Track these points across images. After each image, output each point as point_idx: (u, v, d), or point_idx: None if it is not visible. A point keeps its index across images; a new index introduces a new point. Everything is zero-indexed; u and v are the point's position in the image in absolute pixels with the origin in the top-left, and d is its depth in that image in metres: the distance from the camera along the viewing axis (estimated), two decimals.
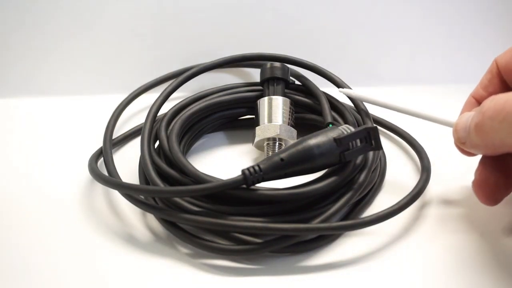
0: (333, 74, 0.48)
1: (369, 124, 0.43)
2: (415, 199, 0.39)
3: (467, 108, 0.39)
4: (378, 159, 0.43)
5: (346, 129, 0.37)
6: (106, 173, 0.42)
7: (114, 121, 0.48)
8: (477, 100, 0.39)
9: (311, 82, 0.48)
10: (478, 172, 0.38)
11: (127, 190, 0.38)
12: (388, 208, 0.37)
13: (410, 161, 0.46)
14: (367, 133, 0.37)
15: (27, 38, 0.56)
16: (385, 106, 0.42)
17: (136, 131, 0.49)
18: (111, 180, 0.39)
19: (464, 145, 0.35)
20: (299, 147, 0.36)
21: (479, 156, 0.38)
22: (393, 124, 0.49)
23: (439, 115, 0.39)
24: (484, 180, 0.37)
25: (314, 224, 0.36)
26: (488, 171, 0.37)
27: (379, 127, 0.44)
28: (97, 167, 0.41)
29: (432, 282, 0.35)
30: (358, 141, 0.37)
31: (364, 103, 0.45)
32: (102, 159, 0.44)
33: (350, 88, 0.46)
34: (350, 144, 0.37)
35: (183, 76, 0.48)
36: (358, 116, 0.45)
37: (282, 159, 0.36)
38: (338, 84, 0.47)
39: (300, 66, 0.49)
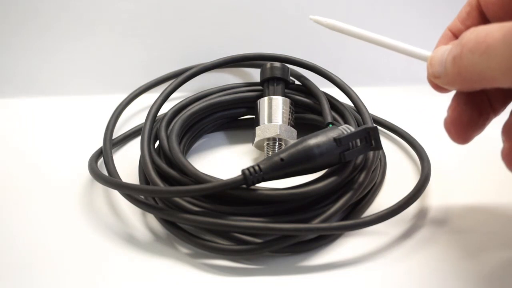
0: (333, 74, 0.48)
1: (369, 124, 0.43)
2: (415, 199, 0.39)
3: (442, 41, 0.37)
4: (378, 159, 0.43)
5: (346, 129, 0.37)
6: (106, 173, 0.42)
7: (114, 121, 0.48)
8: (453, 34, 0.37)
9: (311, 82, 0.48)
10: (451, 109, 0.36)
11: (127, 190, 0.38)
12: (388, 208, 0.37)
13: (410, 161, 0.46)
14: (367, 133, 0.37)
15: (27, 38, 0.56)
16: (357, 36, 0.39)
17: (136, 131, 0.49)
18: (111, 180, 0.39)
19: (438, 79, 0.33)
20: (299, 147, 0.36)
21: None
22: (393, 124, 0.49)
23: (413, 48, 0.36)
24: (457, 117, 0.35)
25: (314, 224, 0.36)
26: (461, 108, 0.35)
27: (379, 127, 0.44)
28: (97, 167, 0.41)
29: (432, 282, 0.35)
30: (358, 141, 0.37)
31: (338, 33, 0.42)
32: (102, 159, 0.44)
33: (350, 87, 0.46)
34: (350, 144, 0.37)
35: (183, 76, 0.48)
36: (358, 116, 0.45)
37: (282, 159, 0.36)
38: (338, 84, 0.47)
39: (300, 66, 0.49)
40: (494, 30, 0.28)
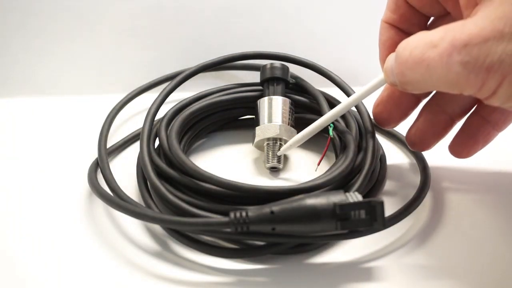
0: (333, 73, 0.47)
1: (376, 198, 0.34)
2: (415, 206, 0.39)
3: (384, 34, 0.39)
4: (378, 159, 0.43)
5: (352, 196, 0.34)
6: (102, 177, 0.41)
7: (110, 122, 0.47)
8: (390, 24, 0.39)
9: (309, 83, 0.48)
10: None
11: (123, 211, 0.37)
12: (388, 217, 0.37)
13: (410, 161, 0.46)
14: (372, 207, 0.33)
15: (27, 38, 0.56)
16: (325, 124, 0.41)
17: (137, 135, 0.49)
18: (110, 197, 0.38)
19: (396, 87, 0.35)
20: (294, 203, 0.33)
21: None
22: (392, 129, 0.48)
23: (369, 83, 0.38)
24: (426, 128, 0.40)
25: None
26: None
27: (376, 132, 0.43)
28: (97, 179, 0.41)
29: (433, 282, 0.35)
30: (361, 212, 0.33)
31: None
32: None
33: (350, 87, 0.46)
34: (352, 213, 0.33)
35: (183, 75, 0.47)
36: (358, 117, 0.45)
37: (272, 212, 0.33)
38: (338, 83, 0.47)
39: (300, 64, 0.48)
40: (427, 50, 0.31)
